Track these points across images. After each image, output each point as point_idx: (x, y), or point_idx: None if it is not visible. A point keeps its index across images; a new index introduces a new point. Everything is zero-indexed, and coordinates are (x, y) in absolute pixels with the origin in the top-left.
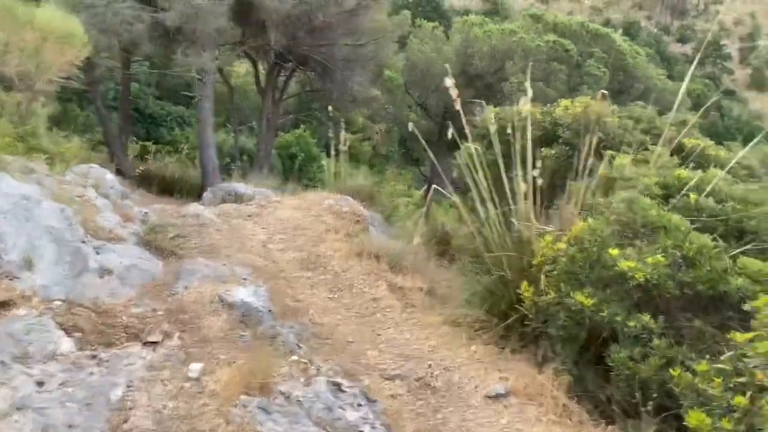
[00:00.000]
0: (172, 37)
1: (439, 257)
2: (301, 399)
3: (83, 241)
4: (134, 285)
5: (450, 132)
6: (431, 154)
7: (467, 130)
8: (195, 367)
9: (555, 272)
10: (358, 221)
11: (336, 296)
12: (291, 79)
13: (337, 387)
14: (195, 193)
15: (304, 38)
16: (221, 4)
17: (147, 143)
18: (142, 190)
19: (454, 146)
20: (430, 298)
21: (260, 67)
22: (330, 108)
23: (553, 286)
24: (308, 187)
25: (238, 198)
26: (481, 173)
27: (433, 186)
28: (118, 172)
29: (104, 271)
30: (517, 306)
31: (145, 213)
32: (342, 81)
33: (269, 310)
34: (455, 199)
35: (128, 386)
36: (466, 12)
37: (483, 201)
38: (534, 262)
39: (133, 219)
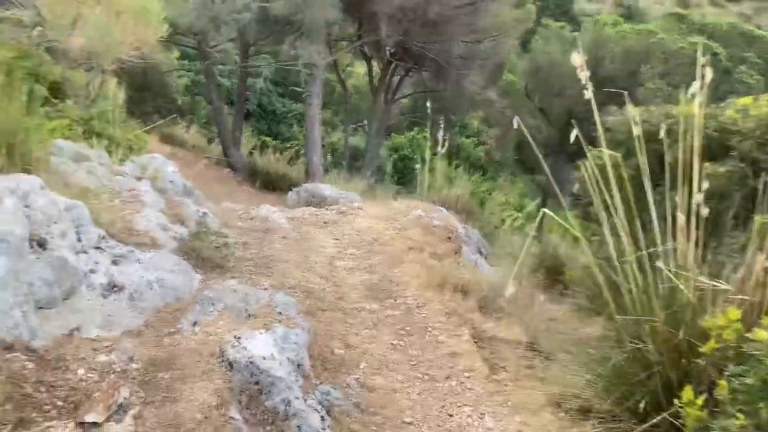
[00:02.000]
0: (280, 28)
1: (549, 289)
2: None
3: (86, 250)
4: (148, 308)
5: (575, 134)
6: (545, 167)
7: (599, 134)
8: None
9: (748, 380)
10: (449, 238)
11: (402, 343)
12: (405, 79)
13: None
14: None
15: (418, 33)
16: None
17: (267, 138)
18: (247, 186)
19: (576, 156)
20: (531, 357)
21: (375, 66)
22: (429, 107)
23: (744, 404)
24: (404, 192)
25: (321, 201)
26: (614, 192)
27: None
28: (229, 165)
29: (111, 289)
30: (666, 400)
31: (203, 213)
32: (457, 81)
33: (297, 367)
34: (570, 218)
35: None
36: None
37: (615, 232)
38: (704, 350)
39: (186, 220)
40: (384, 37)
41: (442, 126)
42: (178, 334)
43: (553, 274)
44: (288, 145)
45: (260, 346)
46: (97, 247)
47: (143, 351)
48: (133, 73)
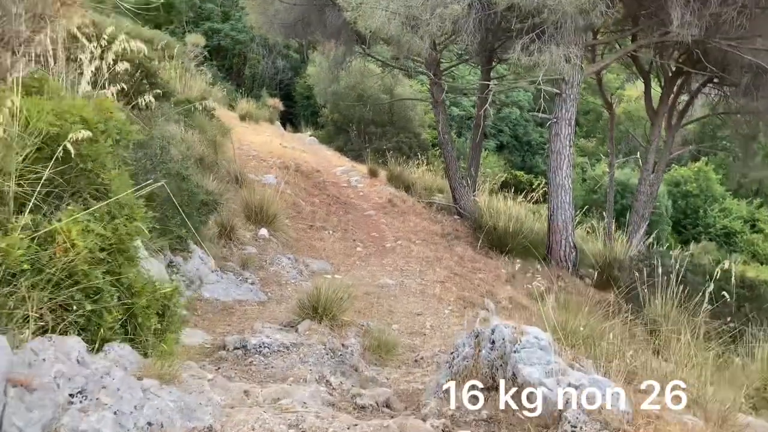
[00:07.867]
0: (510, 28)
1: None
2: None
3: None
4: None
5: None
6: None
7: None
8: None
9: None
10: None
11: None
12: (697, 97)
13: None
14: (539, 253)
15: (730, 25)
16: None
17: (519, 173)
18: (464, 244)
19: None
20: None
21: (653, 82)
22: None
23: None
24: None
25: (517, 390)
26: None
27: None
28: (458, 211)
29: None
30: None
31: None
32: None
33: None
34: None
35: None
36: None
37: None
38: None
39: None
40: (675, 32)
41: None
42: None
43: None
44: (536, 183)
45: None
46: None
47: None
48: (379, 108)
